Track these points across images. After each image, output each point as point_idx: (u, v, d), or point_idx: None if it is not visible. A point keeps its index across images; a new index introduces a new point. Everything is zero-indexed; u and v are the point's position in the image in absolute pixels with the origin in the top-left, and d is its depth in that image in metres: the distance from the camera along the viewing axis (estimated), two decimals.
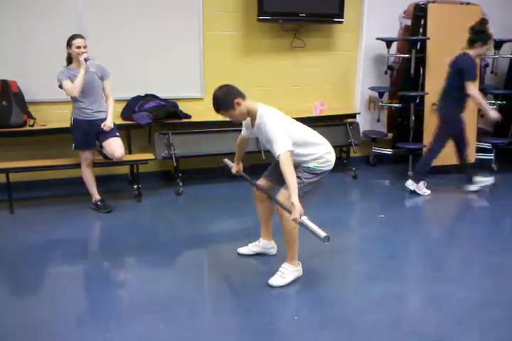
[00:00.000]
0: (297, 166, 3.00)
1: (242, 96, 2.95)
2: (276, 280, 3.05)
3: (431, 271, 3.36)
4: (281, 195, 2.94)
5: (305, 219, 2.61)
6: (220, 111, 2.96)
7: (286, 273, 3.06)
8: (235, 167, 3.51)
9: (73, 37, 4.02)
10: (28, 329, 2.59)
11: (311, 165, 3.02)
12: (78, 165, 4.37)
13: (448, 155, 5.12)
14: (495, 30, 6.07)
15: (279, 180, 2.94)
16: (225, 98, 2.93)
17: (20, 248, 3.70)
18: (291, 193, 2.69)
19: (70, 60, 4.14)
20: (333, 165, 3.10)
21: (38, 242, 3.83)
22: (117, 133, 4.34)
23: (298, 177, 2.93)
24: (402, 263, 3.53)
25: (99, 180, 5.07)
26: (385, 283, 3.13)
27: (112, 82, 4.30)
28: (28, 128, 4.56)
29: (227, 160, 3.67)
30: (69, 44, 4.02)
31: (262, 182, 3.26)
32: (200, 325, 2.64)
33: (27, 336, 2.54)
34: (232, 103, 2.91)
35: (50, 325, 2.64)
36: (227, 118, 3.03)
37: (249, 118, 3.08)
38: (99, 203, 4.36)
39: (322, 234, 2.46)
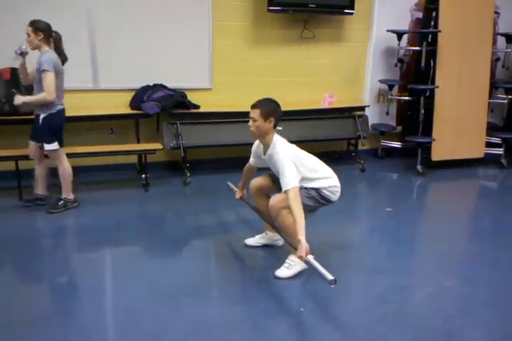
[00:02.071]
0: (308, 188, 3.06)
1: (277, 123, 3.03)
2: (282, 272, 3.05)
3: (438, 265, 3.35)
4: (276, 197, 2.98)
5: (311, 259, 2.61)
6: (256, 109, 2.98)
7: (293, 264, 3.06)
8: (238, 193, 3.59)
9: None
10: (35, 316, 2.62)
11: (321, 190, 3.08)
12: (93, 154, 4.33)
13: (462, 149, 5.10)
14: (507, 24, 6.04)
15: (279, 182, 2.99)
16: (271, 106, 3.03)
17: (30, 235, 3.73)
18: (297, 231, 2.71)
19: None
20: (338, 196, 3.16)
21: (47, 230, 3.87)
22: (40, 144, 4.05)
23: (307, 188, 3.03)
24: (409, 257, 3.52)
25: (108, 169, 5.11)
26: (391, 276, 3.13)
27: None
28: None
29: (230, 184, 3.77)
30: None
31: (264, 177, 3.30)
32: (207, 314, 2.65)
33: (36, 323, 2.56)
34: (270, 114, 2.97)
35: (56, 312, 2.66)
36: (249, 123, 3.02)
37: (261, 146, 3.14)
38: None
39: (329, 277, 2.44)
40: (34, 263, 3.29)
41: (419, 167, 5.44)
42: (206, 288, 2.98)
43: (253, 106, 3.02)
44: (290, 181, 2.84)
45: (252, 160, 3.37)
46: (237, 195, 3.60)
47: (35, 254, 3.44)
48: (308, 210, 3.01)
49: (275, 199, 2.98)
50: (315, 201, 3.08)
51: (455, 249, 3.69)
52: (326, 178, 3.11)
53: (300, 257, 2.64)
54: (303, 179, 2.96)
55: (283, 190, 2.87)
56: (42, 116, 3.91)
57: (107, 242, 3.59)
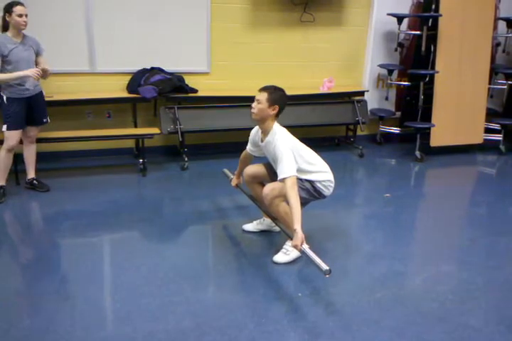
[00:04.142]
0: (303, 180, 3.05)
1: (280, 112, 3.01)
2: (280, 257, 3.06)
3: (435, 251, 3.36)
4: (269, 186, 2.97)
5: (306, 248, 2.60)
6: (264, 92, 2.96)
7: (291, 250, 3.06)
8: (234, 180, 3.58)
9: (15, 3, 3.67)
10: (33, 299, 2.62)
11: (315, 184, 3.06)
12: (90, 138, 4.28)
13: (461, 135, 5.07)
14: (508, 9, 5.98)
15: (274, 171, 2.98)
16: (280, 94, 3.00)
17: (27, 220, 3.73)
18: (294, 220, 2.69)
19: (5, 27, 3.74)
20: (331, 191, 3.14)
21: (46, 214, 3.86)
22: (45, 120, 4.14)
23: (302, 182, 3.02)
24: (407, 242, 3.53)
25: (105, 154, 5.08)
26: (389, 261, 3.14)
27: (46, 58, 4.04)
28: None
29: (226, 171, 3.75)
30: (8, 11, 3.65)
31: (259, 165, 3.29)
32: (204, 299, 2.66)
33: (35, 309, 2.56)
34: (276, 102, 2.95)
35: (54, 295, 2.67)
36: (252, 105, 2.99)
37: (259, 133, 3.12)
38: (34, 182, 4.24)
39: (324, 267, 2.43)
40: (30, 247, 3.29)
41: (417, 153, 5.43)
42: (204, 272, 2.98)
43: (262, 89, 2.99)
44: (288, 170, 2.82)
45: (248, 147, 3.35)
46: (233, 183, 3.60)
47: (30, 237, 3.44)
48: (304, 201, 3.02)
49: (268, 187, 2.97)
50: (308, 193, 3.06)
51: (452, 234, 3.70)
52: (321, 172, 3.09)
53: (295, 246, 2.63)
54: (298, 170, 2.94)
55: (279, 178, 2.84)
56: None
57: (105, 227, 3.58)
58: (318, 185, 3.07)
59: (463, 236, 3.69)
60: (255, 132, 3.24)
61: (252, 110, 3.00)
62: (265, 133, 3.05)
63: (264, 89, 3.00)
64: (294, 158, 2.90)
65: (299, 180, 2.99)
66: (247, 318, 2.50)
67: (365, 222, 3.96)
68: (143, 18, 4.90)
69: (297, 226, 2.66)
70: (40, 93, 4.06)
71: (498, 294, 2.80)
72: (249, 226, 3.51)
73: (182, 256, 3.16)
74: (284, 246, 3.10)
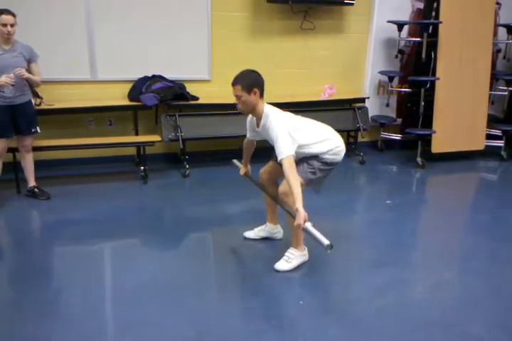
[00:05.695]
0: (309, 157, 3.01)
1: (262, 92, 2.94)
2: (282, 265, 3.04)
3: (437, 258, 3.35)
4: (284, 185, 2.92)
5: (309, 226, 2.59)
6: (236, 85, 2.88)
7: (292, 257, 3.05)
8: (243, 169, 3.52)
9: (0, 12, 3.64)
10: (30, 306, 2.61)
11: (320, 156, 3.01)
12: (91, 146, 4.27)
13: (462, 141, 5.06)
14: (508, 15, 5.99)
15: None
16: (250, 77, 2.92)
17: (26, 228, 3.72)
18: (294, 199, 2.67)
19: None
20: (342, 156, 3.08)
21: (46, 222, 3.85)
22: (34, 130, 4.07)
23: (309, 163, 2.97)
24: (408, 250, 3.52)
25: (106, 161, 5.08)
26: (390, 269, 3.12)
27: (40, 66, 4.02)
28: (34, 107, 4.49)
29: (236, 161, 3.69)
30: None
31: (270, 165, 3.26)
32: (205, 307, 2.65)
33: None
34: (252, 86, 2.88)
35: (55, 304, 2.66)
36: (235, 100, 2.96)
37: (254, 119, 3.08)
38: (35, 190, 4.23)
39: (325, 242, 2.43)
40: (29, 255, 3.28)
41: (419, 159, 5.42)
42: (205, 280, 2.97)
43: (233, 84, 2.91)
44: (284, 150, 2.77)
45: (248, 134, 3.29)
46: (242, 171, 3.51)
47: (30, 245, 3.44)
48: (319, 182, 3.04)
49: (284, 184, 2.92)
50: (321, 171, 3.01)
51: (454, 241, 3.69)
52: (325, 141, 3.01)
53: (298, 225, 2.60)
54: (301, 146, 2.90)
55: (279, 159, 2.80)
56: None
57: (105, 234, 3.57)
58: (326, 156, 3.00)
59: (465, 243, 3.67)
60: (250, 119, 3.17)
61: (239, 106, 2.95)
62: (259, 118, 2.99)
63: (234, 82, 2.90)
64: (292, 137, 2.84)
65: (306, 163, 2.96)
66: (247, 326, 2.49)
67: (366, 228, 3.94)
68: (144, 26, 4.92)
69: (298, 205, 2.62)
70: (27, 103, 3.99)
71: (500, 302, 2.78)
72: (250, 234, 3.50)
73: (182, 263, 3.15)
74: (286, 254, 3.08)
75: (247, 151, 3.43)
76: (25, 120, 4.00)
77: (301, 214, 2.59)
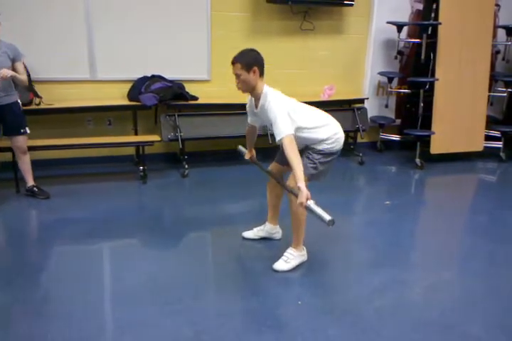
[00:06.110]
0: (307, 149, 2.98)
1: (262, 71, 2.90)
2: (280, 265, 3.04)
3: (435, 259, 3.35)
4: (291, 179, 2.90)
5: (311, 204, 2.58)
6: (236, 63, 2.86)
7: (291, 257, 3.06)
8: (247, 154, 3.49)
9: None
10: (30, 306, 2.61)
11: (320, 147, 2.98)
12: (90, 145, 4.27)
13: (461, 142, 5.07)
14: (507, 16, 6.01)
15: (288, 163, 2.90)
16: (250, 55, 2.90)
17: (25, 227, 3.72)
18: (296, 177, 2.64)
19: None
20: (342, 144, 3.05)
21: (45, 222, 3.85)
22: (23, 130, 4.02)
23: (309, 158, 2.95)
24: (407, 250, 3.52)
25: (105, 161, 5.08)
26: (389, 269, 3.12)
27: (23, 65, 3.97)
28: (34, 107, 4.50)
29: (241, 147, 3.65)
30: None
31: (273, 165, 3.25)
32: (204, 307, 2.65)
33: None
34: (251, 65, 2.84)
35: (54, 304, 2.66)
36: (235, 81, 2.91)
37: (253, 100, 3.03)
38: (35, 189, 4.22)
39: (327, 217, 2.44)
40: (28, 252, 3.28)
41: (418, 160, 5.43)
42: (203, 280, 2.97)
43: (232, 62, 2.88)
44: (283, 129, 2.73)
45: (249, 118, 3.26)
46: (247, 156, 3.48)
47: (29, 245, 3.44)
48: (323, 175, 3.02)
49: (290, 178, 2.90)
50: (322, 164, 2.99)
51: (453, 242, 3.69)
52: (324, 126, 2.98)
53: (301, 203, 2.58)
54: (300, 129, 2.87)
55: (277, 139, 2.76)
56: None
57: (105, 234, 3.57)
58: (326, 146, 2.97)
59: (463, 244, 3.68)
60: (249, 101, 3.14)
61: (238, 85, 2.91)
62: (257, 98, 2.95)
63: (234, 60, 2.88)
64: (291, 117, 2.81)
65: (306, 158, 2.94)
66: (246, 326, 2.49)
67: (365, 229, 3.94)
68: (143, 26, 4.92)
69: (300, 183, 2.60)
70: (14, 103, 3.95)
71: (498, 302, 2.78)
72: (249, 234, 3.50)
73: (182, 263, 3.15)
74: (285, 254, 3.09)
75: (250, 137, 3.40)
76: (13, 121, 3.97)
77: (304, 192, 2.58)
